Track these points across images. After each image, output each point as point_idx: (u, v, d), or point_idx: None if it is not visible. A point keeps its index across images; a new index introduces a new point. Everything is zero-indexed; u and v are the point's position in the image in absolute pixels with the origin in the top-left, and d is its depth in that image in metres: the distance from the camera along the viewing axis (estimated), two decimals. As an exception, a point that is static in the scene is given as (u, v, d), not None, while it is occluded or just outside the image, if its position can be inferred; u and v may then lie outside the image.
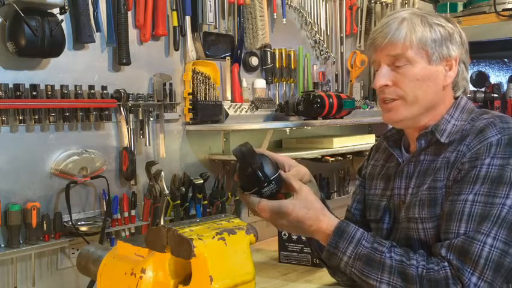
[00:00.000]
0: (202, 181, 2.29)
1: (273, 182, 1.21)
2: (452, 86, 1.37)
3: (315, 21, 2.93)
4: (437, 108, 1.35)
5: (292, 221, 1.22)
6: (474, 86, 3.79)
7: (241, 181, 1.24)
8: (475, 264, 1.15)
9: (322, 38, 2.97)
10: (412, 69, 1.31)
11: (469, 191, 1.21)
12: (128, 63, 2.07)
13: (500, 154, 1.21)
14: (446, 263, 1.18)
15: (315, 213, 1.23)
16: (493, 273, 1.15)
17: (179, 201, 2.20)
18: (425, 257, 1.21)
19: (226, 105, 2.38)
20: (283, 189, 1.25)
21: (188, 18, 2.27)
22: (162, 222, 2.10)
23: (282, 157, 1.34)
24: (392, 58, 1.32)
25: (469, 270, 1.15)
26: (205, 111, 2.31)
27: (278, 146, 2.76)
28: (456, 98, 1.39)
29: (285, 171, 1.31)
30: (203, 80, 2.32)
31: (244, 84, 2.53)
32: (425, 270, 1.17)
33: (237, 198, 2.39)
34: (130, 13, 2.09)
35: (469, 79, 1.42)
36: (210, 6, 2.33)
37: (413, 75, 1.31)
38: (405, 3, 3.39)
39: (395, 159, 1.44)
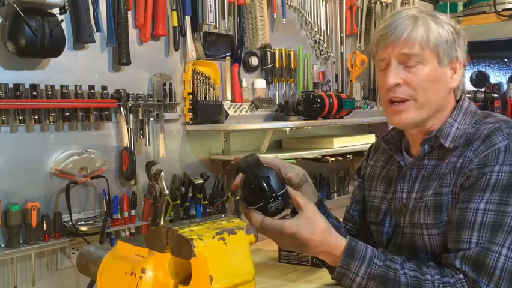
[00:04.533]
0: (202, 181, 2.29)
1: (280, 198, 1.15)
2: (453, 90, 1.35)
3: (315, 21, 2.93)
4: (442, 112, 1.33)
5: (296, 241, 1.17)
6: (474, 86, 3.78)
7: (245, 194, 1.18)
8: (491, 275, 1.14)
9: (322, 38, 2.97)
10: (424, 69, 1.27)
11: (480, 199, 1.20)
12: (128, 63, 2.07)
13: (509, 161, 1.20)
14: (461, 275, 1.16)
15: (321, 234, 1.17)
16: (508, 284, 1.15)
17: (179, 201, 2.20)
18: (438, 270, 1.19)
19: (226, 105, 2.38)
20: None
21: (188, 18, 2.27)
22: (162, 222, 2.09)
23: (276, 161, 1.31)
24: (404, 56, 1.27)
25: (484, 281, 1.14)
26: (205, 111, 2.31)
27: (278, 146, 2.76)
28: (457, 101, 1.37)
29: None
30: (203, 80, 2.32)
31: (244, 84, 2.53)
32: (441, 285, 1.16)
33: (237, 198, 2.39)
34: (130, 13, 2.09)
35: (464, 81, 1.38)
36: (210, 6, 2.33)
37: (425, 75, 1.27)
38: (405, 3, 3.39)
39: (397, 161, 1.42)
